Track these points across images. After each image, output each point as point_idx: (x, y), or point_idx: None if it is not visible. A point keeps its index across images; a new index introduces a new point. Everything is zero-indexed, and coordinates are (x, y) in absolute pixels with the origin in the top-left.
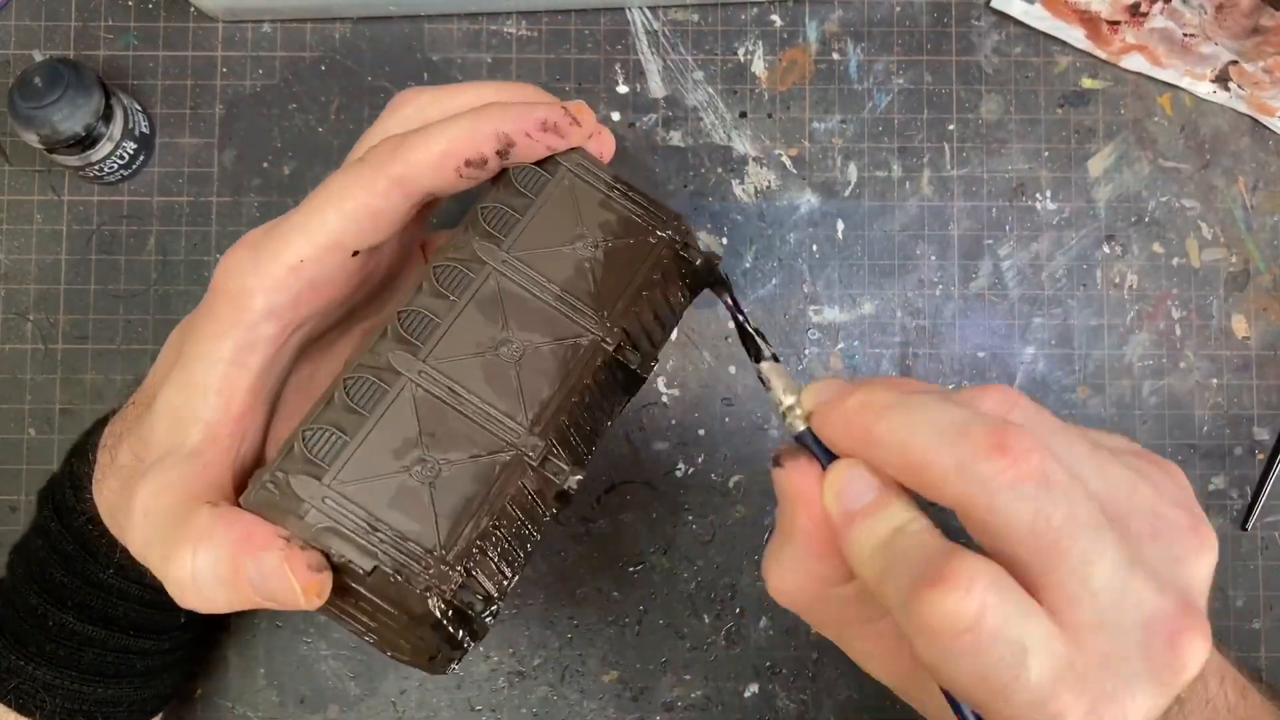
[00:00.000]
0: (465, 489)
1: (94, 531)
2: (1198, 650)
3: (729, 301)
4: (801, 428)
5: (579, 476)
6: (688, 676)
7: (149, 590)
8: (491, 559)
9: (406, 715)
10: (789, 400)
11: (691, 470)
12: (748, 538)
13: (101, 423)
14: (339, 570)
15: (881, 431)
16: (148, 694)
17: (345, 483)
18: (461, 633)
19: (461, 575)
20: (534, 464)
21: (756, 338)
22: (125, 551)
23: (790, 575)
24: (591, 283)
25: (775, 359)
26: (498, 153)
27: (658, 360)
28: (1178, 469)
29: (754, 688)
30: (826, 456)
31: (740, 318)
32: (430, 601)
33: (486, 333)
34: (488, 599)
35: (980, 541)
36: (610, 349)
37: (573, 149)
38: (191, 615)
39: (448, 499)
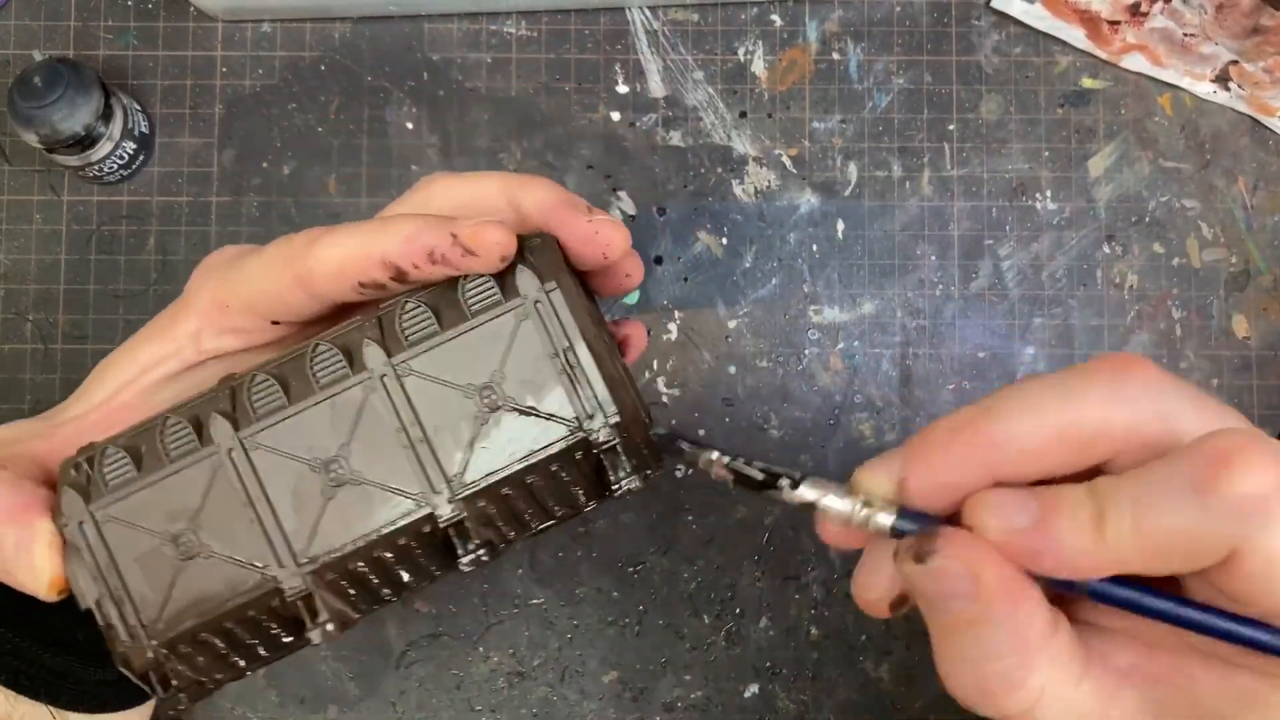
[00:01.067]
0: (210, 585)
1: None
2: None
3: (716, 458)
4: (892, 514)
5: (326, 630)
6: (688, 676)
7: None
8: (202, 657)
9: (406, 716)
10: (853, 504)
11: (691, 470)
12: (748, 538)
13: None
14: None
15: (1005, 426)
16: (96, 677)
17: (110, 519)
18: (153, 689)
19: (159, 657)
20: (286, 598)
21: (764, 472)
22: None
23: (1011, 655)
24: (464, 445)
25: (804, 478)
26: (392, 278)
27: (506, 548)
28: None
29: (754, 688)
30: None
31: (742, 471)
32: (118, 663)
33: (323, 441)
34: (181, 689)
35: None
36: (440, 525)
37: (565, 274)
38: None
39: (190, 584)
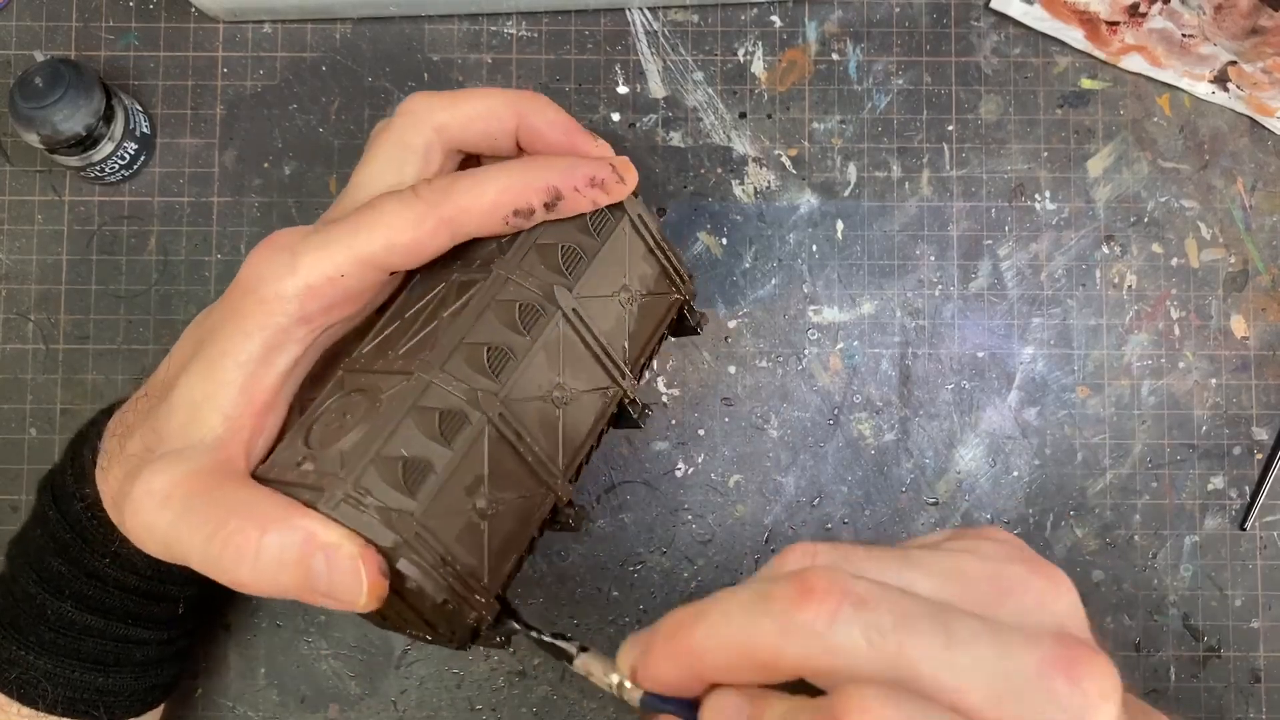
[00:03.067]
0: (508, 526)
1: (92, 519)
2: (1099, 675)
3: (519, 624)
4: (639, 694)
5: (579, 510)
6: None
7: (145, 580)
8: (510, 581)
9: (407, 715)
10: (614, 678)
11: (691, 470)
12: (748, 538)
13: (105, 413)
14: (399, 591)
15: (699, 642)
16: (147, 684)
17: (430, 516)
18: (497, 637)
19: (499, 605)
20: (561, 504)
21: (555, 641)
22: (124, 541)
23: None
24: (625, 335)
25: (584, 649)
26: (545, 205)
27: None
28: (998, 529)
29: None
30: (684, 708)
31: (534, 634)
32: (471, 626)
33: (547, 377)
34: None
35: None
36: (626, 399)
37: (632, 194)
38: (190, 607)
39: (496, 535)
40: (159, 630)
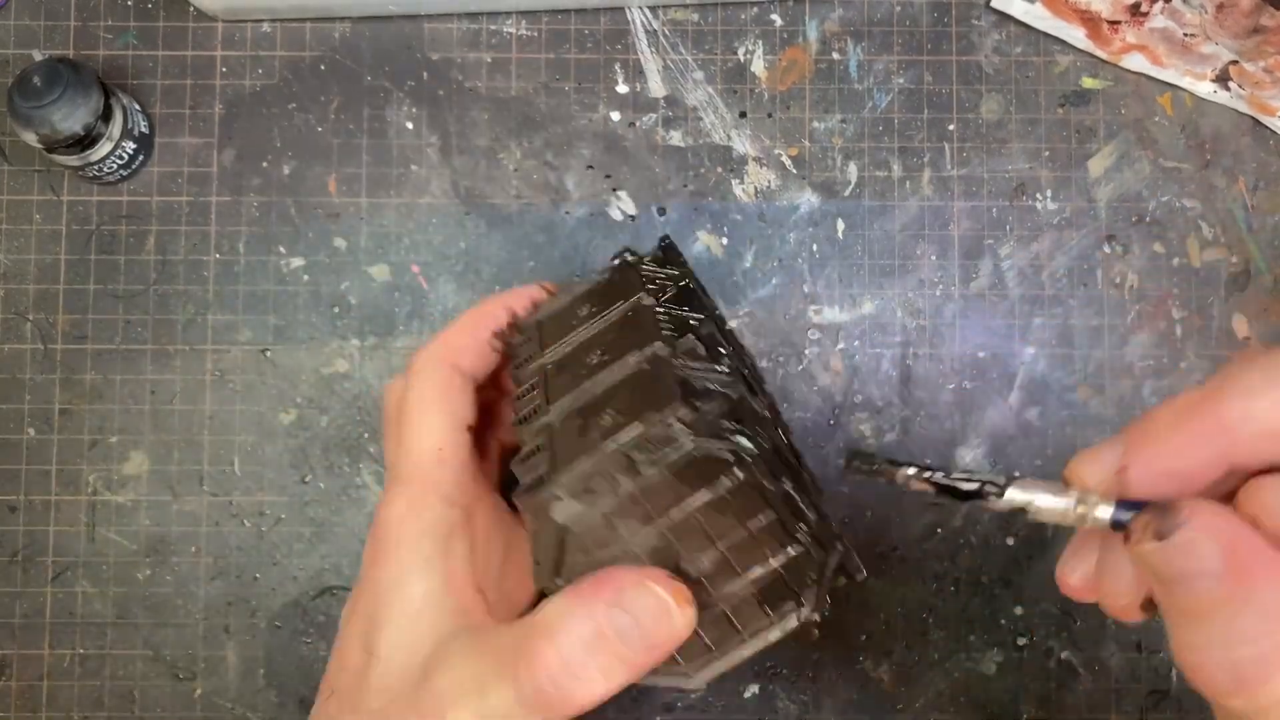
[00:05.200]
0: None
1: None
2: None
3: (913, 473)
4: (1111, 506)
5: None
6: None
7: None
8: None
9: None
10: (1071, 497)
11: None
12: None
13: None
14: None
15: (1238, 408)
16: None
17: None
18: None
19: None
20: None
21: (968, 481)
22: None
23: (1269, 637)
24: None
25: (1008, 481)
26: (510, 323)
27: None
28: None
29: (754, 688)
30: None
31: (945, 483)
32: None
33: None
34: None
35: None
36: None
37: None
38: None
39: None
40: None
